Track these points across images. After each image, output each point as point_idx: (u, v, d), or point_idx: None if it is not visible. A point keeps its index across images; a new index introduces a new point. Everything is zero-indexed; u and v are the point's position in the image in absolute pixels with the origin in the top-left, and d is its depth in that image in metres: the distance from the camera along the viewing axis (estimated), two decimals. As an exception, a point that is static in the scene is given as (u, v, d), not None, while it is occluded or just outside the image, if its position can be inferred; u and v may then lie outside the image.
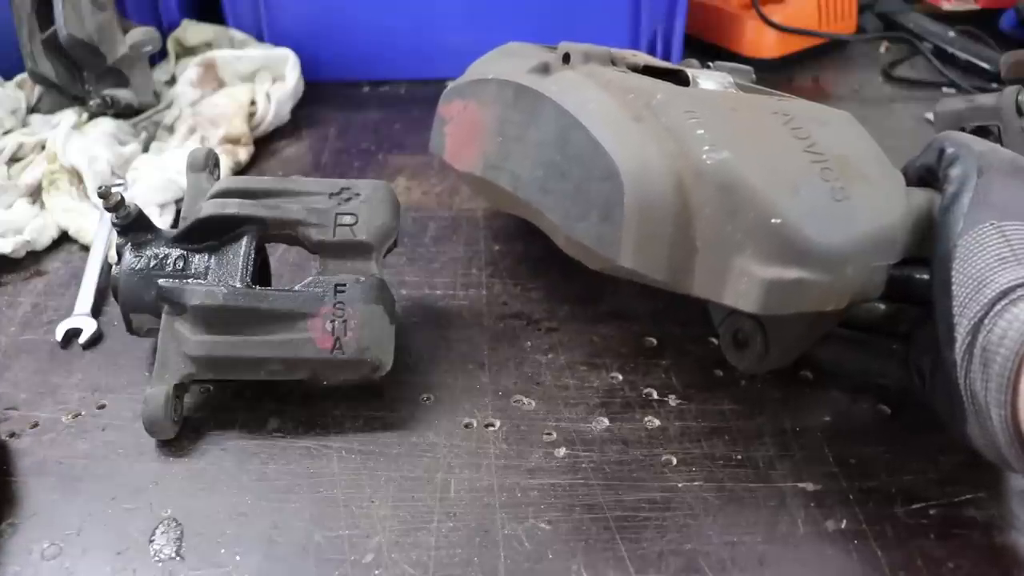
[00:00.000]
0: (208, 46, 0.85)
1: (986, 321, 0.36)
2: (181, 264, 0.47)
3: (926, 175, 0.44)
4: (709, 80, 0.50)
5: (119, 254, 0.48)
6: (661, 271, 0.42)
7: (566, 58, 0.49)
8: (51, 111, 0.76)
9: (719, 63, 0.54)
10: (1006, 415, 0.34)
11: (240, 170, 0.73)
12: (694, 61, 0.55)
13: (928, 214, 0.42)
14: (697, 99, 0.45)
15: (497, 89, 0.51)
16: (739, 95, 0.49)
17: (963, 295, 0.37)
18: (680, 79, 0.50)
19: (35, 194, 0.67)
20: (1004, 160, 0.41)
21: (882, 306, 0.46)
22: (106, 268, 0.59)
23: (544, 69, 0.50)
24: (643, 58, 0.54)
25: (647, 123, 0.43)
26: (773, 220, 0.39)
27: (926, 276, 0.42)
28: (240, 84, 0.81)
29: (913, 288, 0.45)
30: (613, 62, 0.50)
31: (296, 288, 0.46)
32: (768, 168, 0.41)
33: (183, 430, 0.46)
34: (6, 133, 0.72)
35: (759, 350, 0.45)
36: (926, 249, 0.42)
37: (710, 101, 0.46)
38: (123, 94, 0.75)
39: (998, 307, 0.35)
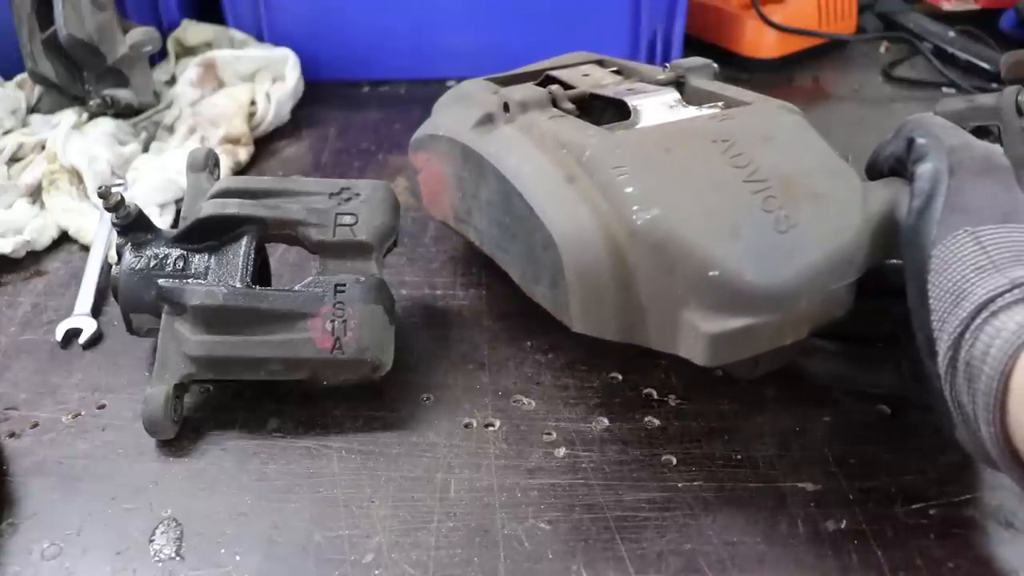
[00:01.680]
0: (208, 46, 0.85)
1: (967, 335, 0.35)
2: (181, 264, 0.47)
3: (896, 164, 0.43)
4: (652, 108, 0.49)
5: (119, 254, 0.48)
6: (612, 332, 0.42)
7: (505, 107, 0.49)
8: (51, 111, 0.76)
9: (676, 62, 0.54)
10: (995, 432, 0.33)
11: (240, 170, 0.73)
12: (682, 62, 0.54)
13: (891, 214, 0.41)
14: (629, 147, 0.44)
15: (448, 147, 0.52)
16: (677, 126, 0.47)
17: (941, 309, 0.36)
18: (623, 113, 0.49)
19: (35, 194, 0.67)
20: (976, 158, 0.39)
21: (862, 305, 0.44)
22: (106, 268, 0.59)
23: (488, 120, 0.50)
24: (592, 80, 0.54)
25: (580, 183, 0.43)
26: (711, 273, 0.39)
27: (897, 260, 0.40)
28: (240, 84, 0.81)
29: (887, 278, 0.43)
30: (555, 102, 0.50)
31: (296, 288, 0.46)
32: (704, 215, 0.40)
33: (183, 430, 0.46)
34: (6, 133, 0.72)
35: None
36: (893, 251, 0.41)
37: (643, 146, 0.44)
38: (123, 94, 0.75)
39: (978, 320, 0.34)
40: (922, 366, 0.38)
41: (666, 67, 0.54)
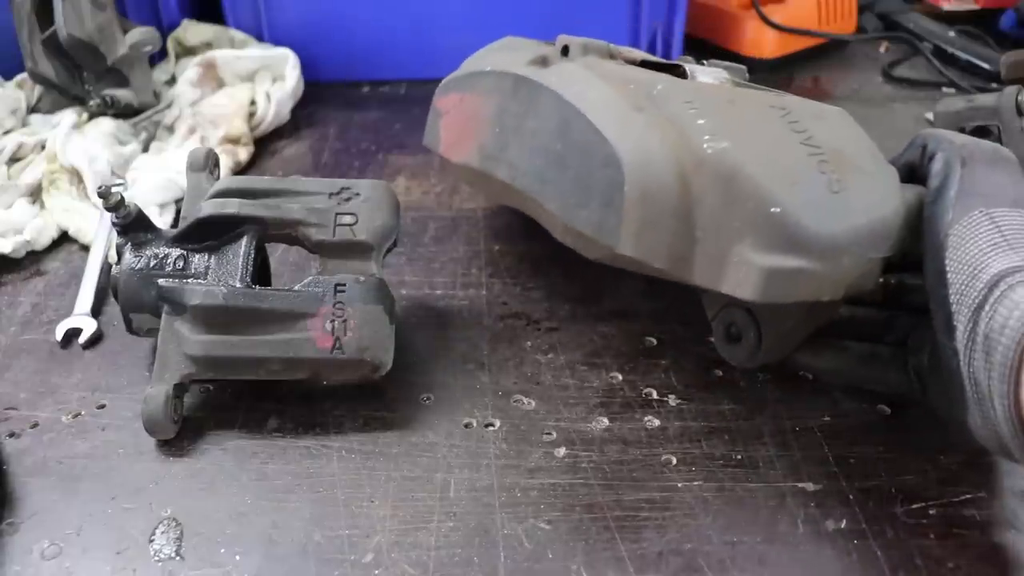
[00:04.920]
0: (208, 46, 0.85)
1: (986, 307, 0.36)
2: (181, 264, 0.47)
3: (910, 172, 0.45)
4: (706, 75, 0.50)
5: (119, 254, 0.48)
6: (661, 259, 0.42)
7: (565, 50, 0.50)
8: (51, 111, 0.76)
9: (713, 61, 0.55)
10: (1009, 404, 0.34)
11: (240, 170, 0.73)
12: (689, 58, 0.55)
13: (919, 210, 0.42)
14: (696, 91, 0.46)
15: (495, 81, 0.51)
16: (736, 89, 0.49)
17: (959, 282, 0.37)
18: (678, 74, 0.50)
19: (35, 194, 0.67)
20: (985, 151, 0.42)
21: (875, 313, 0.47)
22: (106, 268, 0.59)
23: (543, 62, 0.50)
24: (640, 54, 0.54)
25: (648, 113, 0.44)
26: (772, 209, 0.40)
27: (918, 281, 0.42)
28: (240, 84, 0.81)
29: (905, 294, 0.45)
30: (611, 56, 0.51)
31: (296, 288, 0.46)
32: (767, 159, 0.41)
33: (183, 430, 0.46)
34: (6, 133, 0.72)
35: (752, 344, 0.45)
36: (919, 245, 0.42)
37: (709, 94, 0.46)
38: (123, 94, 0.75)
39: (997, 292, 0.36)
40: (936, 350, 0.39)
41: (703, 64, 0.55)
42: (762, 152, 0.42)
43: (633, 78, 0.46)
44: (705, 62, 0.55)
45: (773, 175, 0.41)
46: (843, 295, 0.42)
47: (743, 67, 0.55)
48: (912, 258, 0.42)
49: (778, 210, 0.40)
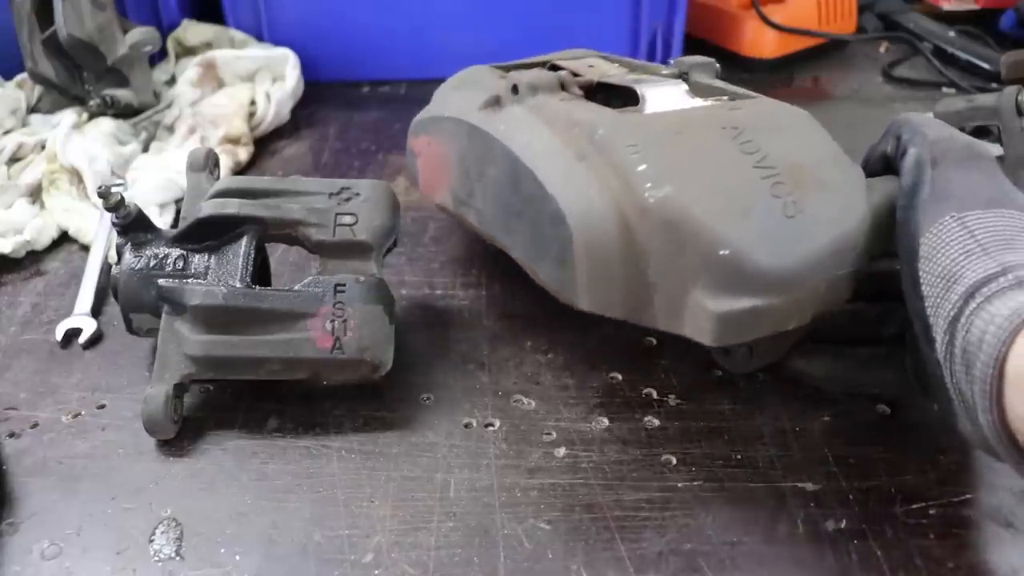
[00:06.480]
0: (208, 46, 0.85)
1: (962, 320, 0.35)
2: (181, 264, 0.47)
3: (886, 163, 0.44)
4: (660, 95, 0.49)
5: (119, 254, 0.48)
6: (618, 310, 0.42)
7: (515, 89, 0.49)
8: (51, 111, 0.76)
9: (679, 59, 0.54)
10: (993, 419, 0.34)
11: (240, 170, 0.73)
12: (654, 66, 0.55)
13: (892, 206, 0.41)
14: (641, 128, 0.44)
15: (454, 127, 0.52)
16: (686, 113, 0.47)
17: (934, 295, 0.37)
18: (632, 98, 0.49)
19: (35, 194, 0.67)
20: (959, 147, 0.41)
21: (868, 308, 0.46)
22: (106, 268, 0.59)
23: (495, 102, 0.50)
24: (598, 71, 0.54)
25: (591, 161, 0.43)
26: (721, 252, 0.39)
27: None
28: (240, 84, 0.81)
29: (895, 282, 0.43)
30: (563, 86, 0.50)
31: (296, 288, 0.46)
32: (714, 195, 0.40)
33: (183, 430, 0.46)
34: (6, 133, 0.72)
35: (744, 351, 0.45)
36: (893, 243, 0.41)
37: (654, 127, 0.44)
38: (123, 94, 0.75)
39: (972, 305, 0.35)
40: (924, 358, 0.39)
41: (670, 63, 0.55)
42: (709, 189, 0.40)
43: (577, 120, 0.45)
44: (671, 60, 0.54)
45: (721, 212, 0.40)
46: (813, 317, 0.41)
47: (712, 61, 0.53)
48: (893, 248, 0.41)
49: (727, 252, 0.39)
